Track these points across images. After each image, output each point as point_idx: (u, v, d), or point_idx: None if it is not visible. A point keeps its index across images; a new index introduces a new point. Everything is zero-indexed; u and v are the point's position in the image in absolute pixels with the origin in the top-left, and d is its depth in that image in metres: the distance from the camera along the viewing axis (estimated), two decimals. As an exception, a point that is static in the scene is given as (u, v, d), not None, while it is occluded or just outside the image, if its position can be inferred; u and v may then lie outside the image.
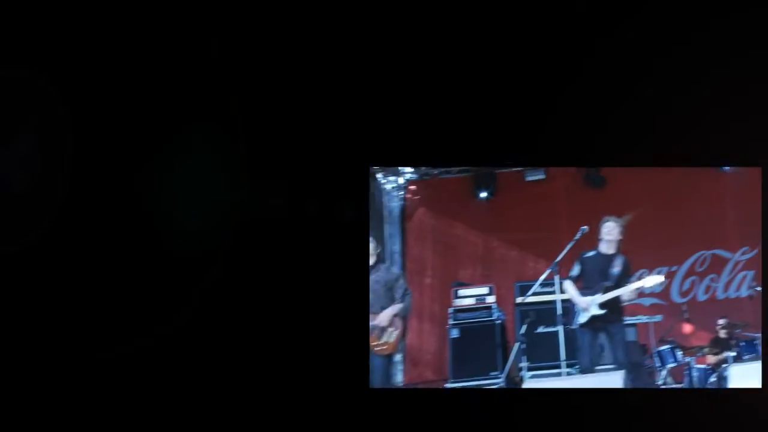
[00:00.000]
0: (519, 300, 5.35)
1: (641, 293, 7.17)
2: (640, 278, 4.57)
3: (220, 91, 3.04)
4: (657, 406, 3.09)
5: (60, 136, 2.98)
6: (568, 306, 4.49)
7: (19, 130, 3.02)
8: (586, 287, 4.38)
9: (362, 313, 3.24)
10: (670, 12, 3.07)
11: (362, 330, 3.26)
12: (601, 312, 4.24)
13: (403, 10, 3.07)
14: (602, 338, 4.39)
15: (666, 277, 7.32)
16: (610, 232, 4.35)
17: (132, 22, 3.00)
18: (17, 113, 3.04)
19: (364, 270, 3.32)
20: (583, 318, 4.30)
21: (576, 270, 4.41)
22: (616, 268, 4.33)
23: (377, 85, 3.12)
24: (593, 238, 4.51)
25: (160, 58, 3.02)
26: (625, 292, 4.26)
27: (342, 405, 2.96)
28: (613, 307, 4.30)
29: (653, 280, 4.57)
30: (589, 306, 4.22)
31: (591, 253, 4.43)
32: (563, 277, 4.52)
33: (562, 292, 4.49)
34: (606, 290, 4.26)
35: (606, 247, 4.39)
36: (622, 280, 4.30)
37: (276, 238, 3.06)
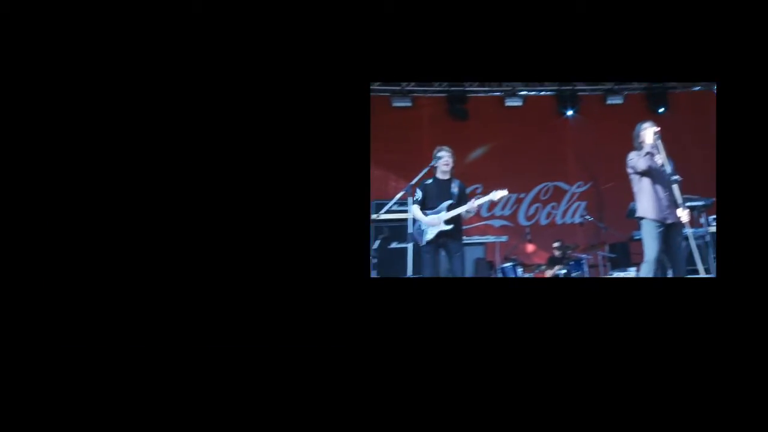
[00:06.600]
0: (373, 217, 5.72)
1: (493, 216, 8.43)
2: (474, 196, 5.05)
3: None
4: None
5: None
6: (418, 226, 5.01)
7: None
8: (429, 209, 4.89)
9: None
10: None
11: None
12: (447, 228, 4.82)
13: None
14: (442, 254, 4.84)
15: (516, 203, 8.50)
16: (446, 162, 4.89)
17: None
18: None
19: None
20: (429, 235, 4.85)
21: (419, 195, 4.95)
22: (454, 190, 4.90)
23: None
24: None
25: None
26: (466, 209, 4.80)
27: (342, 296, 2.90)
28: (456, 224, 4.89)
29: (499, 194, 4.87)
30: (436, 223, 4.80)
31: (429, 181, 4.97)
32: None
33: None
34: (450, 208, 4.84)
35: (442, 174, 4.94)
36: (460, 201, 4.89)
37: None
